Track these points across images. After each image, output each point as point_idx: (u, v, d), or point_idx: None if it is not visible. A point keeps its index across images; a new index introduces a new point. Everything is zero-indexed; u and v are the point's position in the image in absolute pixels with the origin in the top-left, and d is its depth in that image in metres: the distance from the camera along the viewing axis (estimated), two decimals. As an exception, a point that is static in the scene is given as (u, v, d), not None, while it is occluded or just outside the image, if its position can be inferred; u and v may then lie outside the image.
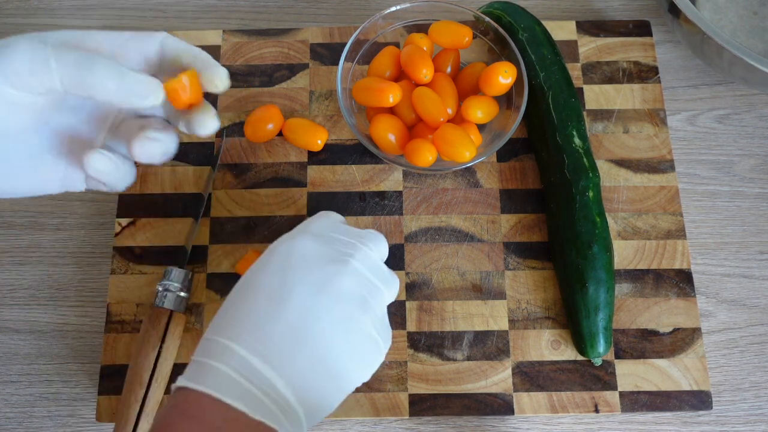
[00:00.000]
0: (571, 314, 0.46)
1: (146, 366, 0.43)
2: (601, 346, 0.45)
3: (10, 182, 0.35)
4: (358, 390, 0.46)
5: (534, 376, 0.46)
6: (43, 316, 0.49)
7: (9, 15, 0.58)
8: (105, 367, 0.46)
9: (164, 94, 0.33)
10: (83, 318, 0.49)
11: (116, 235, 0.49)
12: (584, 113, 0.52)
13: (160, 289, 0.46)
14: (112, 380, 0.46)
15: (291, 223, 0.50)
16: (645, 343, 0.47)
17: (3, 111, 0.32)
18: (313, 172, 0.51)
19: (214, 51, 0.54)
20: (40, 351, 0.48)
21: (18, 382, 0.47)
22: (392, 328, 0.47)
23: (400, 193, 0.50)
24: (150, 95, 0.32)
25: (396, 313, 0.48)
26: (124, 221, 0.50)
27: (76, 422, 0.47)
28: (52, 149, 0.35)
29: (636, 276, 0.48)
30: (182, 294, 0.46)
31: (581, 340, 0.45)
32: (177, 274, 0.46)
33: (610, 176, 0.51)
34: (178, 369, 0.46)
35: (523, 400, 0.46)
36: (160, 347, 0.44)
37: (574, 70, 0.54)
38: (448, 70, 0.50)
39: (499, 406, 0.45)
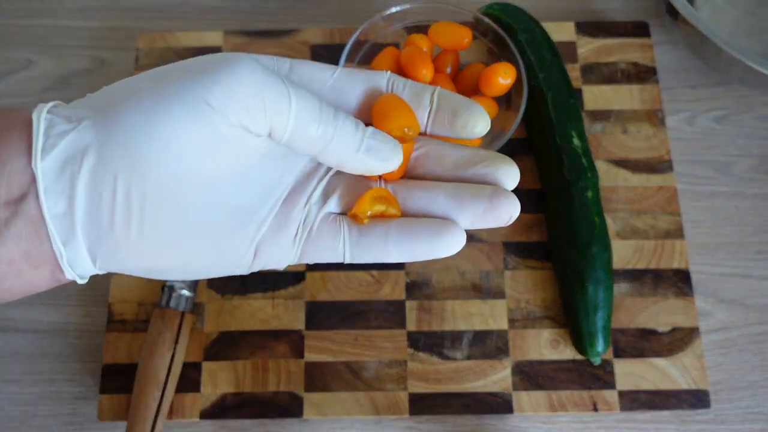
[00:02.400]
0: (570, 314, 0.46)
1: (162, 366, 0.44)
2: (599, 346, 0.45)
3: (198, 255, 0.26)
4: (357, 389, 0.46)
5: (533, 375, 0.46)
6: (46, 316, 0.49)
7: (10, 16, 0.58)
8: (107, 366, 0.47)
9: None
10: (85, 317, 0.49)
11: (118, 234, 0.50)
12: (583, 114, 0.52)
13: (166, 289, 0.46)
14: (114, 379, 0.46)
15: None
16: (643, 343, 0.47)
17: (219, 156, 0.24)
18: (314, 172, 0.51)
19: (214, 52, 0.54)
20: (42, 350, 0.48)
21: (20, 381, 0.48)
22: (392, 328, 0.47)
23: (400, 193, 0.51)
24: (394, 159, 0.26)
25: (396, 312, 0.48)
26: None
27: (79, 421, 0.47)
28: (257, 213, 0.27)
29: (634, 276, 0.49)
30: (190, 294, 0.46)
31: (580, 340, 0.46)
32: None
33: (608, 176, 0.51)
34: (186, 368, 0.46)
35: (523, 399, 0.46)
36: (174, 348, 0.44)
37: (573, 71, 0.54)
38: (448, 70, 0.50)
39: (498, 405, 0.46)
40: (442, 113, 0.27)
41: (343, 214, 0.27)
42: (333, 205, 0.27)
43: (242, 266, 0.27)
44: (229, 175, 0.26)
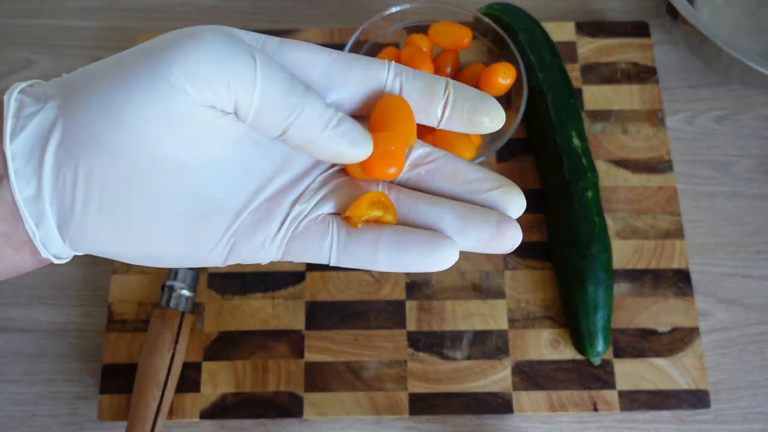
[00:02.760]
0: (570, 314, 0.46)
1: (162, 366, 0.44)
2: (599, 346, 0.45)
3: (164, 244, 0.25)
4: (357, 389, 0.46)
5: (533, 375, 0.46)
6: (46, 316, 0.49)
7: (10, 16, 0.58)
8: (107, 366, 0.47)
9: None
10: (85, 317, 0.49)
11: (118, 234, 0.50)
12: (583, 114, 0.52)
13: (166, 289, 0.46)
14: (114, 379, 0.46)
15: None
16: (643, 343, 0.47)
17: (185, 139, 0.24)
18: (314, 172, 0.51)
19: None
20: (42, 350, 0.48)
21: (20, 381, 0.48)
22: (392, 328, 0.47)
23: (400, 193, 0.51)
24: (364, 145, 0.25)
25: (396, 312, 0.48)
26: (126, 221, 0.50)
27: (79, 421, 0.47)
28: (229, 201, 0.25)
29: (634, 276, 0.49)
30: (190, 294, 0.46)
31: (580, 340, 0.46)
32: (184, 274, 0.46)
33: (608, 176, 0.51)
34: (186, 368, 0.46)
35: (523, 399, 0.46)
36: (174, 348, 0.44)
37: (573, 71, 0.54)
38: (448, 70, 0.50)
39: (498, 405, 0.46)
40: (460, 107, 0.26)
41: (336, 215, 0.26)
42: (327, 205, 0.26)
43: (216, 258, 0.26)
44: (198, 161, 0.25)
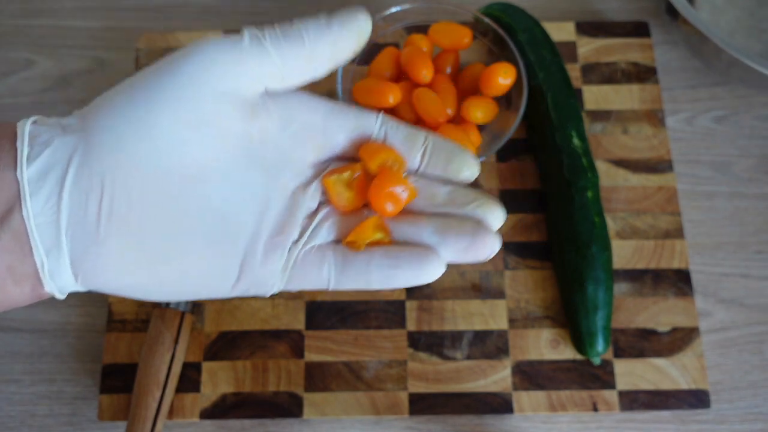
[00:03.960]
0: (570, 313, 0.46)
1: (162, 367, 0.44)
2: (599, 345, 0.45)
3: (182, 264, 0.25)
4: (358, 389, 0.46)
5: (533, 375, 0.46)
6: (45, 315, 0.49)
7: (10, 16, 0.58)
8: (107, 366, 0.47)
9: None
10: (85, 317, 0.49)
11: (118, 234, 0.50)
12: (583, 114, 0.52)
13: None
14: (114, 379, 0.46)
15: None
16: (643, 343, 0.47)
17: (205, 142, 0.25)
18: (314, 172, 0.51)
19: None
20: (42, 350, 0.48)
21: (20, 381, 0.48)
22: (392, 328, 0.47)
23: (400, 193, 0.51)
24: (364, 28, 0.27)
25: (396, 312, 0.48)
26: (126, 221, 0.50)
27: (78, 421, 0.47)
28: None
29: (634, 275, 0.49)
30: None
31: (580, 339, 0.46)
32: None
33: (608, 176, 0.51)
34: (186, 368, 0.46)
35: (523, 398, 0.46)
36: (174, 348, 0.44)
37: (573, 71, 0.54)
38: (448, 70, 0.50)
39: (498, 404, 0.46)
40: (436, 158, 0.28)
41: (332, 243, 0.28)
42: (320, 236, 0.27)
43: (225, 286, 0.26)
44: (216, 172, 0.25)
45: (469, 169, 0.29)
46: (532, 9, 0.55)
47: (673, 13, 0.52)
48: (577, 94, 0.53)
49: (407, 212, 0.28)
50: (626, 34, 0.55)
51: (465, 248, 0.27)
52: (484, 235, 0.27)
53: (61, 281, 0.24)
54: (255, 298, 0.48)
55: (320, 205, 0.29)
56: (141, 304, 0.48)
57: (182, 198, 0.25)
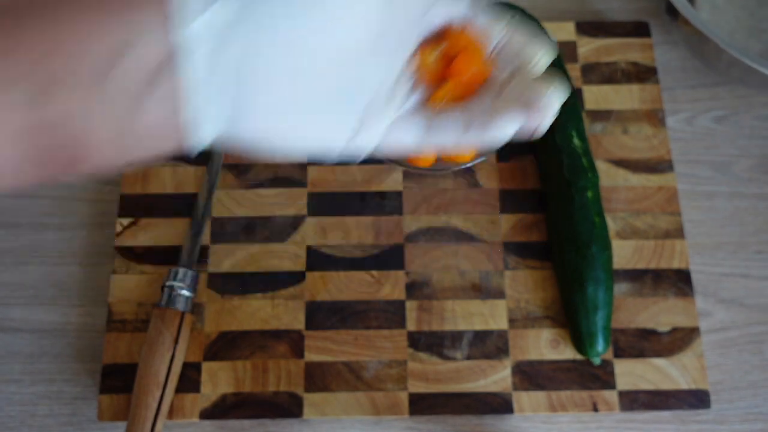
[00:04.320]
0: (570, 314, 0.46)
1: (162, 367, 0.44)
2: (599, 346, 0.45)
3: (297, 131, 0.27)
4: (357, 389, 0.46)
5: (533, 375, 0.46)
6: (45, 316, 0.49)
7: (10, 15, 0.58)
8: (107, 366, 0.47)
9: None
10: (85, 317, 0.49)
11: (117, 235, 0.50)
12: (583, 114, 0.52)
13: (166, 289, 0.46)
14: (114, 379, 0.46)
15: (292, 223, 0.50)
16: (643, 343, 0.47)
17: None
18: (314, 172, 0.51)
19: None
20: (42, 350, 0.48)
21: (20, 381, 0.48)
22: (392, 328, 0.47)
23: (400, 193, 0.51)
24: None
25: (396, 312, 0.48)
26: (126, 221, 0.50)
27: (78, 421, 0.47)
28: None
29: (634, 276, 0.49)
30: (190, 294, 0.46)
31: (580, 340, 0.46)
32: (184, 274, 0.46)
33: (608, 176, 0.51)
34: (186, 368, 0.46)
35: (523, 399, 0.46)
36: (174, 348, 0.44)
37: (573, 71, 0.54)
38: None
39: (498, 405, 0.46)
40: (516, 39, 0.31)
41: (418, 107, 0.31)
42: (413, 101, 0.31)
43: (341, 140, 0.28)
44: (360, 43, 0.27)
45: (544, 53, 0.31)
46: (532, 9, 0.54)
47: (673, 13, 0.51)
48: (578, 94, 0.53)
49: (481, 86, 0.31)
50: (626, 34, 0.55)
51: (527, 109, 0.29)
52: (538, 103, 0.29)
53: (206, 132, 0.25)
54: (254, 298, 0.48)
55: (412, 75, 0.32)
56: (141, 304, 0.48)
57: (324, 67, 0.26)
